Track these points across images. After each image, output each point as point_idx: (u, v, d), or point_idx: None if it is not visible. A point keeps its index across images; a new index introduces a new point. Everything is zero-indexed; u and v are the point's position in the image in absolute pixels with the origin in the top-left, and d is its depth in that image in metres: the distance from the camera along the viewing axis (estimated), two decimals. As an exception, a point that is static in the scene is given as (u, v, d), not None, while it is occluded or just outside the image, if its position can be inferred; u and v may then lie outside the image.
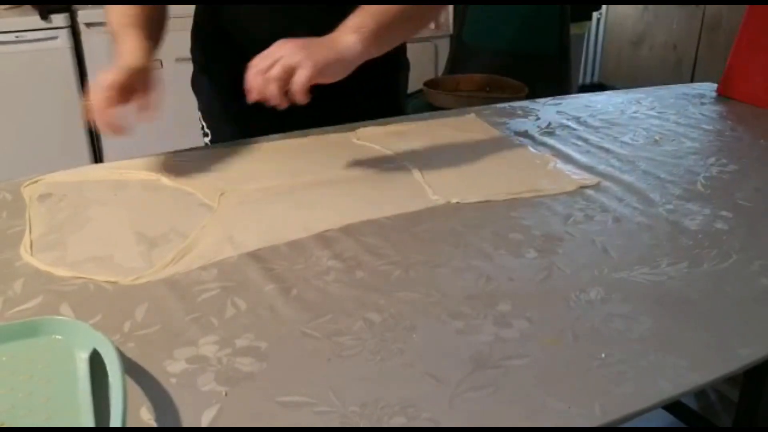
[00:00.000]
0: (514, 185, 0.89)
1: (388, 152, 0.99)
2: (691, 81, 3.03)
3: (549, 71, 2.24)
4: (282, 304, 0.63)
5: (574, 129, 1.11)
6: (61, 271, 0.68)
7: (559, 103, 1.25)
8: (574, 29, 2.33)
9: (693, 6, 3.20)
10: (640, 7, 3.50)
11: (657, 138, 1.09)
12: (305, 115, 0.98)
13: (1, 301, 0.63)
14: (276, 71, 0.81)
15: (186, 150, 0.99)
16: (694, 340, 0.60)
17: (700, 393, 1.55)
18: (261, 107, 0.84)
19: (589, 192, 0.88)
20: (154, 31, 0.95)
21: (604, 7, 3.61)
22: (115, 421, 0.46)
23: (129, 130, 0.84)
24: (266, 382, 0.54)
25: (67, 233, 0.76)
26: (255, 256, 0.71)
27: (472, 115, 1.17)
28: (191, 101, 1.18)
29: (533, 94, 1.73)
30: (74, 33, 2.30)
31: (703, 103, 1.28)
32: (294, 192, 0.86)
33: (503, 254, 0.73)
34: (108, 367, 0.50)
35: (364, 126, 1.08)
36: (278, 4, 1.02)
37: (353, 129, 1.06)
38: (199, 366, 0.55)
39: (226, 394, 0.52)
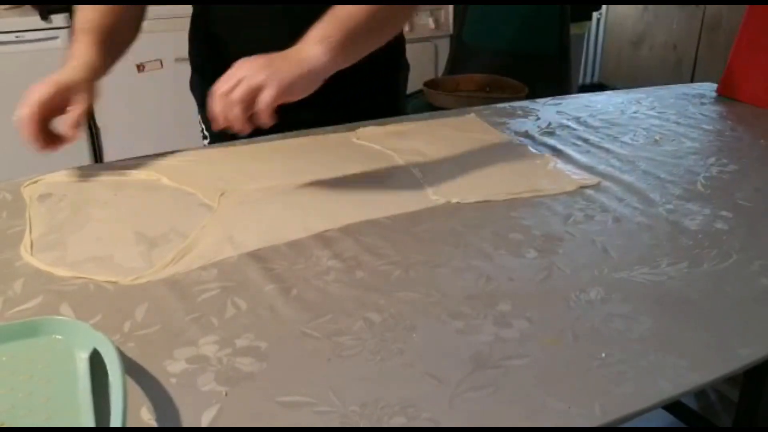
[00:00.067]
0: (514, 185, 0.89)
1: (388, 152, 0.99)
2: (691, 81, 3.03)
3: (549, 71, 2.24)
4: (282, 304, 0.63)
5: (574, 129, 1.11)
6: (61, 271, 0.68)
7: (559, 103, 1.25)
8: (574, 29, 2.33)
9: (693, 6, 3.21)
10: (640, 7, 3.50)
11: (657, 138, 1.09)
12: (305, 115, 0.98)
13: (1, 301, 0.63)
14: (239, 93, 0.76)
15: (186, 150, 0.99)
16: (694, 340, 0.60)
17: (700, 393, 1.55)
18: None
19: (589, 192, 0.88)
20: (112, 42, 0.91)
21: (604, 7, 3.61)
22: (115, 421, 0.46)
23: (57, 147, 0.83)
24: (266, 382, 0.54)
25: (67, 233, 0.76)
26: (255, 256, 0.71)
27: (472, 115, 1.17)
28: (191, 101, 1.18)
29: (533, 94, 1.73)
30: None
31: (703, 103, 1.28)
32: (294, 192, 0.86)
33: (503, 254, 0.73)
34: (108, 367, 0.50)
35: (364, 126, 1.08)
36: (267, 4, 1.00)
37: (353, 129, 1.06)
38: (199, 366, 0.55)
39: (226, 394, 0.52)
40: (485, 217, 0.81)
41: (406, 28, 2.59)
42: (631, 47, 3.61)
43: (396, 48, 1.16)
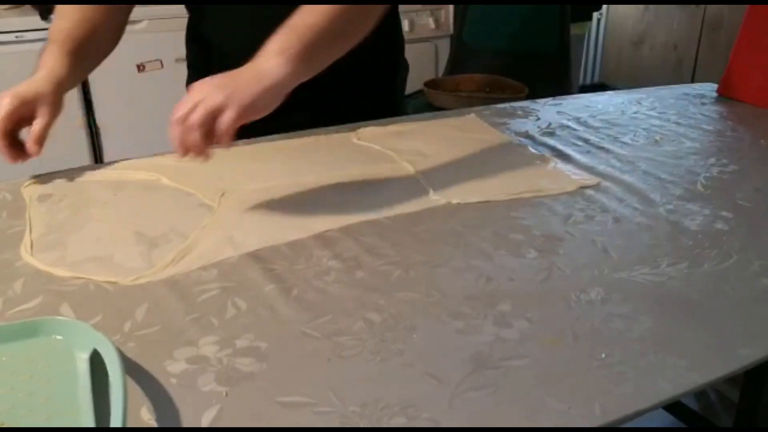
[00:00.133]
0: (515, 185, 0.89)
1: (389, 152, 0.99)
2: (692, 81, 3.03)
3: (549, 71, 2.24)
4: (282, 304, 0.63)
5: (575, 129, 1.11)
6: (61, 271, 0.68)
7: (560, 104, 1.25)
8: (574, 29, 2.33)
9: (693, 6, 3.21)
10: (640, 7, 3.50)
11: (657, 138, 1.09)
12: (305, 116, 0.97)
13: (1, 301, 0.63)
14: (197, 117, 0.70)
15: (186, 150, 0.98)
16: (694, 340, 0.60)
17: (700, 393, 1.55)
18: None
19: (590, 192, 0.88)
20: (84, 54, 0.89)
21: (604, 7, 3.61)
22: (115, 421, 0.46)
23: (26, 158, 0.83)
24: (266, 382, 0.54)
25: (67, 233, 0.76)
26: (255, 256, 0.71)
27: (473, 115, 1.17)
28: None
29: (533, 95, 1.73)
30: (74, 33, 2.30)
31: (703, 104, 1.28)
32: (294, 192, 0.86)
33: (503, 254, 0.73)
34: (108, 367, 0.50)
35: (364, 126, 1.08)
36: (258, 4, 0.98)
37: (353, 129, 1.06)
38: (199, 366, 0.55)
39: (226, 395, 0.52)
40: (485, 217, 0.81)
41: (406, 28, 2.60)
42: (631, 47, 3.62)
43: (396, 48, 1.17)
